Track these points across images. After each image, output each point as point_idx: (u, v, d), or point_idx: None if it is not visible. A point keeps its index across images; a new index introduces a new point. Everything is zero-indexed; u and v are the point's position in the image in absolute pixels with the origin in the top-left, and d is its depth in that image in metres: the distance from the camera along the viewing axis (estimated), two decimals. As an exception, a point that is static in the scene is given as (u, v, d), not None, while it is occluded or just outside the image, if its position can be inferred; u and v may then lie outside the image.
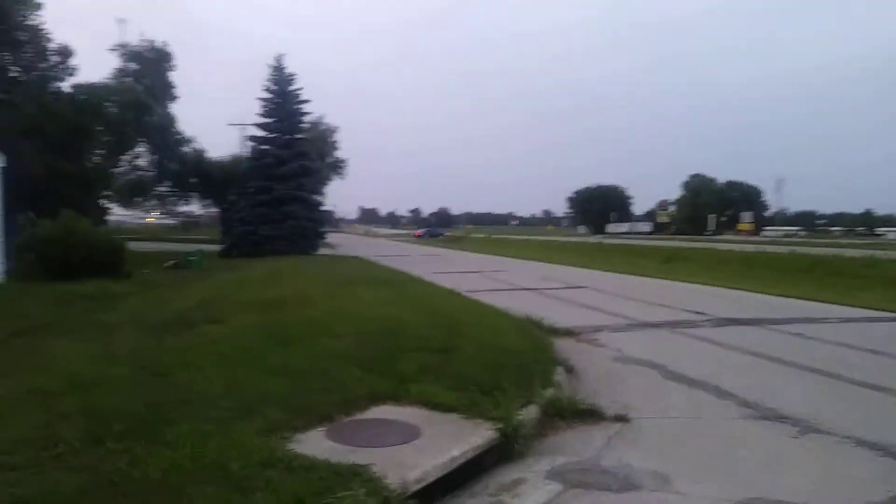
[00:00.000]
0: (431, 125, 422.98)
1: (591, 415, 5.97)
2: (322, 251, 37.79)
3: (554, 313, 11.68)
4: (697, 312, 12.66)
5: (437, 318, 9.95)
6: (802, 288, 18.46)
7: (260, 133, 37.60)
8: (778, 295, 16.55)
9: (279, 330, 8.82)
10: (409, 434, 5.04)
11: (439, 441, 4.92)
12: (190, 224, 77.62)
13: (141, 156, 40.98)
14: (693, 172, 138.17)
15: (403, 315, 10.13)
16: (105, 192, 35.82)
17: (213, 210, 52.36)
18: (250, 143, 39.24)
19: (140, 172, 41.70)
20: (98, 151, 33.35)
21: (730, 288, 18.37)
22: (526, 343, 8.32)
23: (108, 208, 38.86)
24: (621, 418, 5.90)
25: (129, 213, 59.40)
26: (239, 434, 4.69)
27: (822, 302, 15.02)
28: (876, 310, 13.66)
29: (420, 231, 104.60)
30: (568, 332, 10.22)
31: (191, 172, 42.13)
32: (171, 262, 23.08)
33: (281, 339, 8.21)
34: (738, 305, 14.13)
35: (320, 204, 42.12)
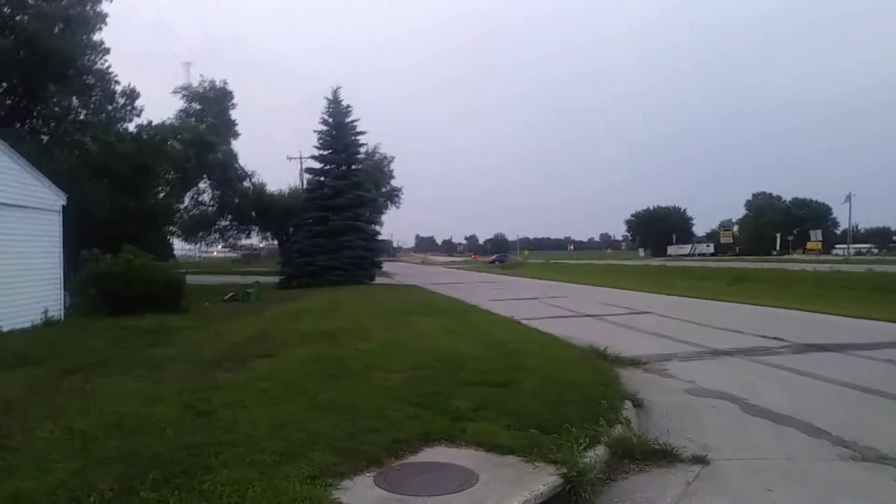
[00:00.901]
0: (485, 152, 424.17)
1: (664, 455, 5.41)
2: (379, 280, 37.80)
3: (618, 341, 11.09)
4: (774, 338, 11.84)
5: (494, 350, 9.52)
6: (883, 309, 17.24)
7: (317, 165, 38.10)
8: (858, 317, 15.50)
9: (331, 364, 8.56)
10: (463, 480, 4.62)
11: (497, 489, 4.49)
12: (251, 256, 79.29)
13: (204, 191, 42.14)
14: (757, 191, 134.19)
15: (460, 346, 9.75)
16: (169, 228, 36.76)
17: (273, 242, 53.26)
18: (307, 176, 39.81)
19: (203, 207, 42.81)
20: (162, 188, 34.35)
21: (804, 310, 17.33)
22: (589, 375, 7.79)
23: (172, 243, 39.88)
24: (700, 460, 5.33)
25: (194, 246, 61.18)
26: (281, 481, 4.37)
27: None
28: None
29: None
30: (634, 362, 9.63)
31: (251, 206, 42.96)
32: (230, 294, 23.31)
33: (333, 373, 7.93)
34: (817, 329, 13.19)
35: (377, 233, 42.28)
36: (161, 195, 33.24)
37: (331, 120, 37.11)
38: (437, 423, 5.73)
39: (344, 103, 37.34)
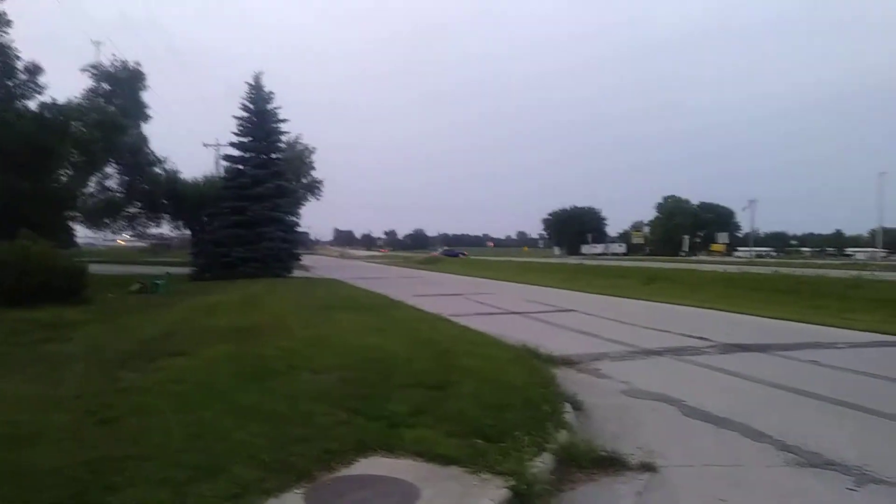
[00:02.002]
0: (405, 147, 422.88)
1: (612, 463, 5.16)
2: (297, 273, 36.72)
3: (548, 340, 10.92)
4: (699, 338, 11.97)
5: (427, 348, 9.11)
6: (793, 310, 17.95)
7: (235, 153, 36.51)
8: (773, 317, 16.00)
9: (252, 363, 7.93)
10: (404, 496, 4.21)
11: (443, 506, 4.10)
12: (161, 246, 75.78)
13: (111, 176, 39.69)
14: (667, 194, 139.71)
15: (390, 345, 9.28)
16: (71, 213, 34.43)
17: (186, 232, 50.96)
18: (225, 163, 38.19)
19: (110, 193, 40.35)
20: (65, 171, 32.10)
21: (720, 310, 17.81)
22: (526, 376, 7.50)
23: (74, 230, 37.40)
24: (648, 467, 5.11)
25: (99, 235, 57.76)
26: (198, 501, 3.83)
27: (820, 325, 14.50)
28: (878, 333, 13.10)
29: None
30: (567, 362, 9.45)
31: (162, 193, 40.83)
32: (137, 285, 21.86)
33: (254, 374, 7.32)
34: (738, 329, 13.47)
35: (296, 225, 41.06)
36: (64, 179, 31.08)
37: (252, 106, 35.64)
38: (372, 430, 5.28)
39: (266, 89, 35.96)
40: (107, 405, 5.82)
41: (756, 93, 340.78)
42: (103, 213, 40.59)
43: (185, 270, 35.18)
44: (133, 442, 4.82)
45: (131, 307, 15.74)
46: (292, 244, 37.19)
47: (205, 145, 49.09)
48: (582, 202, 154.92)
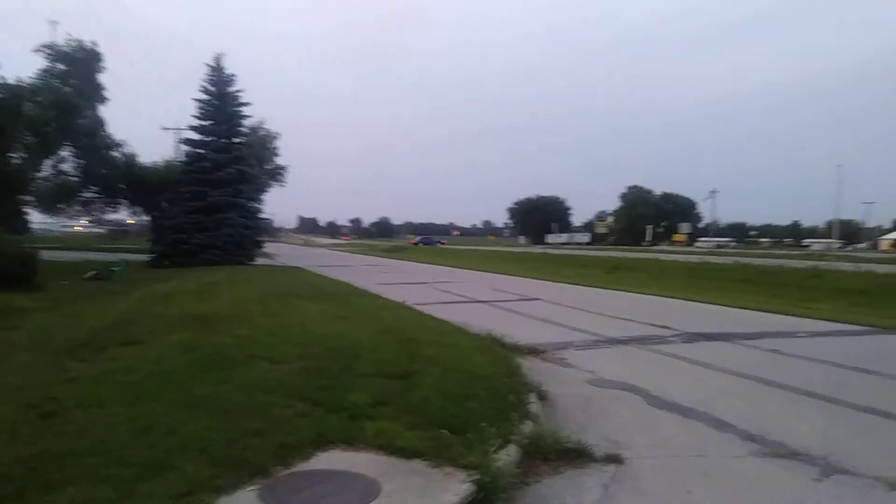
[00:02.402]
0: (372, 134, 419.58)
1: (578, 455, 5.06)
2: (259, 261, 36.16)
3: (512, 328, 10.82)
4: (663, 326, 12.00)
5: (390, 337, 8.92)
6: (754, 298, 18.22)
7: (196, 136, 35.66)
8: (735, 306, 16.16)
9: (209, 352, 7.65)
10: (364, 492, 4.03)
11: (403, 500, 3.93)
12: (119, 232, 73.99)
13: (67, 160, 38.47)
14: (631, 184, 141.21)
15: (352, 333, 9.07)
16: (24, 198, 33.30)
17: (145, 218, 49.76)
18: (185, 147, 37.30)
19: (64, 177, 39.10)
20: (16, 154, 30.99)
21: (684, 299, 17.95)
22: (491, 365, 7.37)
23: (28, 214, 36.18)
24: (614, 459, 5.02)
25: (55, 220, 56.06)
26: (144, 500, 3.61)
27: (780, 314, 14.69)
28: (838, 322, 13.30)
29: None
30: (532, 351, 9.36)
31: (120, 178, 39.72)
32: (91, 272, 21.19)
33: (210, 363, 7.05)
34: (701, 318, 13.56)
35: (258, 211, 40.38)
36: (16, 161, 30.00)
37: (213, 89, 34.82)
38: (332, 423, 5.09)
39: (227, 72, 35.17)
40: (50, 397, 5.51)
41: (721, 90, 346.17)
42: (57, 198, 39.35)
43: (144, 257, 34.36)
44: (76, 436, 4.55)
45: (85, 294, 15.23)
46: (254, 231, 36.60)
47: (164, 129, 47.88)
48: (548, 192, 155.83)
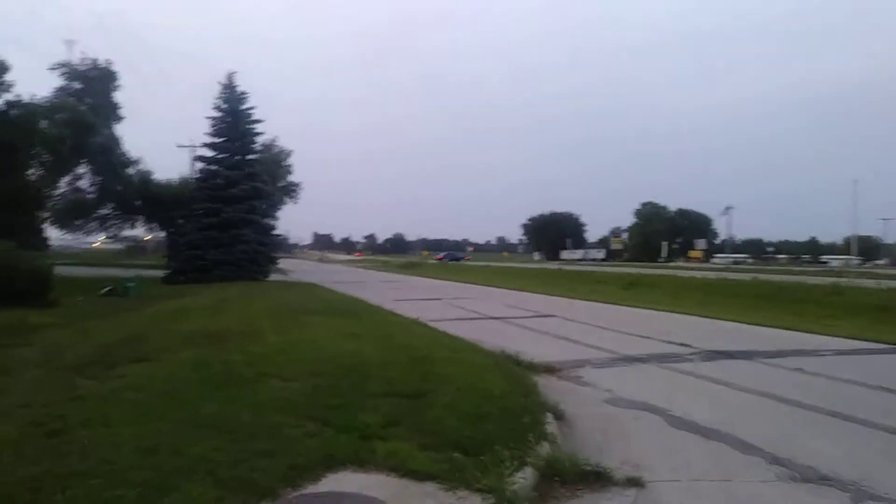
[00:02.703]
0: (386, 153, 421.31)
1: (597, 478, 4.87)
2: (274, 277, 36.16)
3: (527, 346, 10.66)
4: (682, 344, 11.76)
5: (403, 354, 8.77)
6: (773, 316, 17.87)
7: (209, 153, 35.86)
8: (754, 324, 15.85)
9: (220, 370, 7.55)
10: (376, 516, 3.87)
11: (417, 526, 3.78)
12: (136, 249, 74.65)
13: (83, 177, 38.92)
14: (645, 200, 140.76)
15: (365, 350, 8.93)
16: (40, 214, 33.63)
17: (161, 234, 50.10)
18: (199, 164, 37.56)
19: (81, 193, 39.52)
20: (33, 171, 31.35)
21: (701, 316, 17.65)
22: (506, 384, 7.20)
23: (43, 230, 36.49)
24: (635, 482, 4.82)
25: (73, 237, 56.56)
26: (147, 525, 3.48)
27: (801, 332, 14.38)
28: (860, 340, 12.98)
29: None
30: (548, 369, 9.16)
31: (136, 194, 40.12)
32: (106, 288, 21.23)
33: (220, 381, 6.94)
34: (720, 336, 13.28)
35: (272, 228, 40.48)
36: (32, 178, 30.34)
37: (225, 106, 35.03)
38: (342, 443, 4.95)
39: (239, 89, 35.35)
40: (57, 415, 5.42)
41: (733, 98, 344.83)
42: (73, 214, 39.77)
43: (160, 273, 34.48)
44: (81, 456, 4.44)
45: (99, 311, 15.21)
46: (269, 247, 36.63)
47: (179, 146, 48.29)
48: (562, 208, 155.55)
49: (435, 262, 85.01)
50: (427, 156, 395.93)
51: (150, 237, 67.73)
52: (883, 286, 22.20)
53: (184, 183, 40.47)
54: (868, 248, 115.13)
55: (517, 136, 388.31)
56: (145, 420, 5.35)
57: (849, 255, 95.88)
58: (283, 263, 53.39)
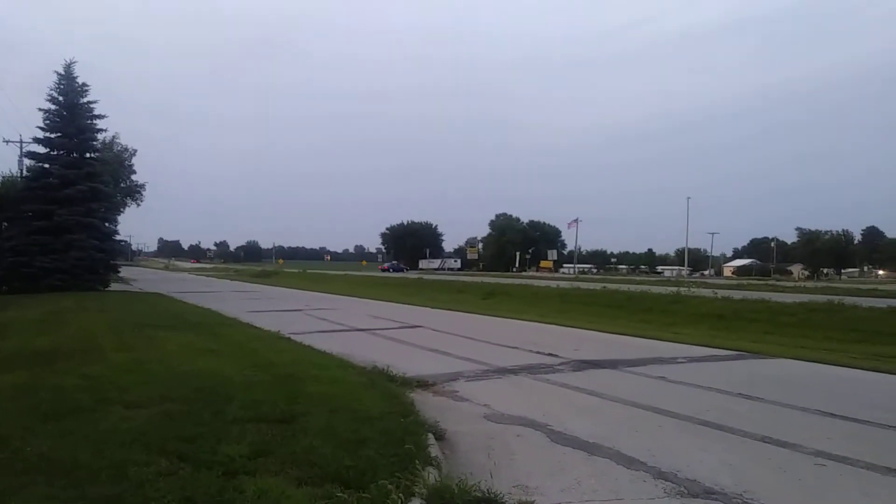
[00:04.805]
0: (238, 157, 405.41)
1: (488, 505, 4.55)
2: (115, 287, 33.31)
3: (398, 359, 10.29)
4: (549, 354, 11.86)
5: (266, 373, 8.07)
6: (625, 323, 18.76)
7: (41, 150, 32.39)
8: (610, 332, 16.48)
9: (48, 397, 6.52)
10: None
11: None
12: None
13: None
14: (499, 212, 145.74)
15: (223, 370, 8.14)
16: None
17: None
18: (29, 161, 33.86)
19: None
20: None
21: (561, 325, 18.13)
22: (384, 403, 6.76)
23: None
24: (528, 508, 4.56)
25: None
26: None
27: (654, 339, 15.07)
28: (708, 347, 13.77)
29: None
30: (421, 384, 8.84)
31: (-50, 194, 35.51)
32: None
33: (50, 411, 5.96)
34: (583, 344, 13.59)
35: (114, 233, 37.39)
36: None
37: (61, 98, 31.78)
38: (203, 483, 4.29)
39: (80, 80, 32.26)
40: None
41: (581, 124, 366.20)
42: None
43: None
44: None
45: None
46: (109, 254, 33.71)
47: (6, 142, 43.47)
48: (419, 217, 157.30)
49: (295, 271, 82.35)
50: (283, 162, 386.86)
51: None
52: (718, 295, 24.01)
53: (9, 182, 36.31)
54: (697, 260, 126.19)
55: (374, 147, 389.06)
56: (-50, 465, 4.38)
57: (681, 265, 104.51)
58: (126, 272, 49.54)
